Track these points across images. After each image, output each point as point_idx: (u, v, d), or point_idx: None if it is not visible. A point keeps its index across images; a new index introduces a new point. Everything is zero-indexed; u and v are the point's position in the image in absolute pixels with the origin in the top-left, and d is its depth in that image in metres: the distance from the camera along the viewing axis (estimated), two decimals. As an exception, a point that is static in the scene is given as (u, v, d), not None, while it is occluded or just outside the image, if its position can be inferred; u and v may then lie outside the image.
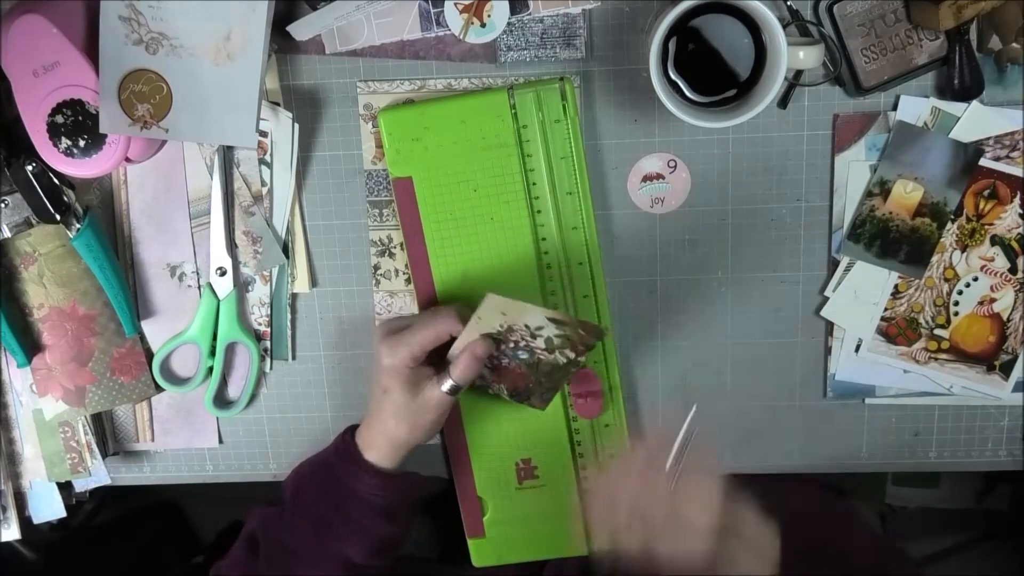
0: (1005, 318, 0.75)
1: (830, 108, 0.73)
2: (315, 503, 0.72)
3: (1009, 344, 0.75)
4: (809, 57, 0.67)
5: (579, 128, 0.72)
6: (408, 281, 0.77)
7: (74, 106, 0.68)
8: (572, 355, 0.69)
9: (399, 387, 0.68)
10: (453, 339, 0.68)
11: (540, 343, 0.68)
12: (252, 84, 0.66)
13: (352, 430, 0.73)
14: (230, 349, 0.79)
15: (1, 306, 0.76)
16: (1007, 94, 0.71)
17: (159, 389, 0.80)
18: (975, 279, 0.75)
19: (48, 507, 0.82)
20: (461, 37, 0.72)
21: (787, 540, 0.64)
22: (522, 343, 0.68)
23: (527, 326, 0.67)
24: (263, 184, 0.75)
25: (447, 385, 0.68)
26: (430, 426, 0.70)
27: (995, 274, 0.74)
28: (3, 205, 0.73)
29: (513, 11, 0.71)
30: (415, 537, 0.90)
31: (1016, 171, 0.72)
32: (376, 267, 0.77)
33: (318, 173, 0.76)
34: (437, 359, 0.70)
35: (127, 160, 0.72)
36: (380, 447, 0.70)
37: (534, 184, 0.72)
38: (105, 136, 0.69)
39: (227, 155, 0.75)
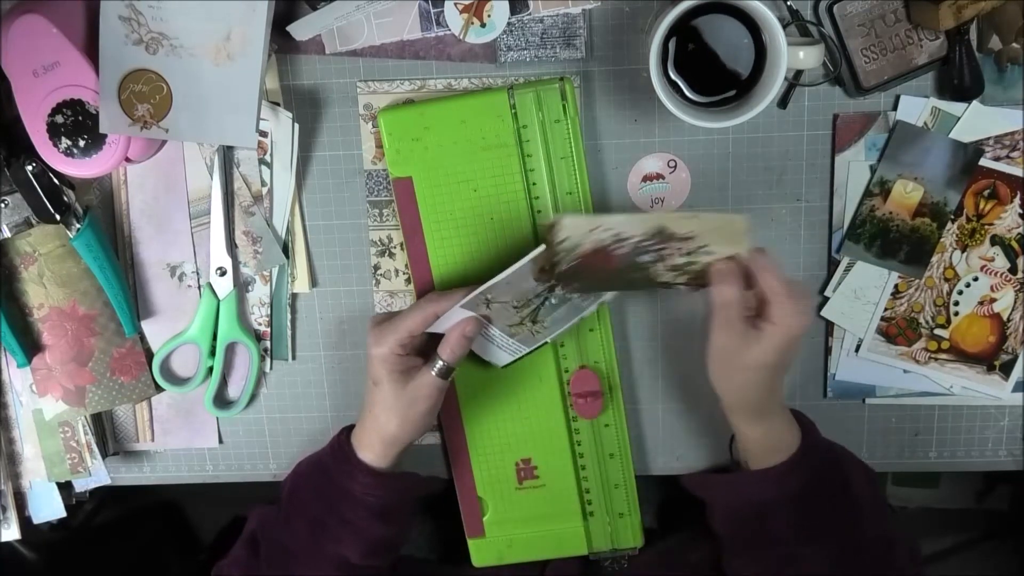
0: (1005, 318, 0.75)
1: (830, 108, 0.73)
2: (310, 503, 0.72)
3: (1009, 344, 0.75)
4: (809, 57, 0.67)
5: (579, 128, 0.72)
6: (408, 281, 0.77)
7: (74, 106, 0.68)
8: (683, 280, 0.66)
9: (388, 376, 0.68)
10: (438, 337, 0.69)
11: (679, 259, 0.65)
12: (252, 84, 0.66)
13: (348, 430, 0.73)
14: (230, 349, 0.79)
15: (1, 306, 0.76)
16: (1007, 94, 0.71)
17: (159, 389, 0.80)
18: (975, 279, 0.74)
19: (48, 507, 0.82)
20: (461, 37, 0.71)
21: (806, 446, 0.69)
22: (664, 249, 0.64)
23: (700, 247, 0.64)
24: (263, 184, 0.75)
25: (437, 367, 0.68)
26: (420, 419, 0.69)
27: (995, 274, 0.74)
28: (3, 205, 0.73)
29: (513, 11, 0.71)
30: (415, 537, 0.90)
31: (1016, 171, 0.72)
32: (376, 267, 0.77)
33: (318, 173, 0.76)
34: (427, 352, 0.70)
35: (127, 160, 0.72)
36: (372, 445, 0.70)
37: (534, 184, 0.72)
38: (105, 136, 0.69)
39: (227, 155, 0.75)
